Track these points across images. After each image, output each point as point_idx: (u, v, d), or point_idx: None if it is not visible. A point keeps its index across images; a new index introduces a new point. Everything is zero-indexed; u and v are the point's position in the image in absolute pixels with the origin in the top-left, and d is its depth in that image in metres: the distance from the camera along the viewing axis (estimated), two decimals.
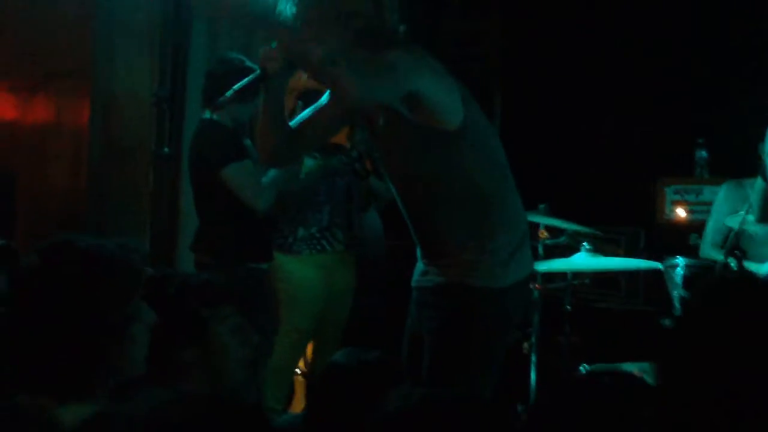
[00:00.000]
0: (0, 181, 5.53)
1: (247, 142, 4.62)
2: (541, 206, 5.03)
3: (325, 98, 3.26)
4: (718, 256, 4.91)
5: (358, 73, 2.89)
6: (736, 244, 4.73)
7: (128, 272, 2.29)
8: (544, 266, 4.93)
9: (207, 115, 4.55)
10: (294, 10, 3.02)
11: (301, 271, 4.80)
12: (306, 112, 3.31)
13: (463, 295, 3.13)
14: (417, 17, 5.35)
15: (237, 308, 2.65)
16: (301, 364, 5.11)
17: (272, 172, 4.50)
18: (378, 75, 2.96)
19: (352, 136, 4.82)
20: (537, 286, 4.99)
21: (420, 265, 3.29)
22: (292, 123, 3.27)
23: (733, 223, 4.83)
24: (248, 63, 4.42)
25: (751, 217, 4.60)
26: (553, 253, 5.21)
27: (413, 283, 3.32)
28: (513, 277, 3.17)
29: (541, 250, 5.15)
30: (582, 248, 4.87)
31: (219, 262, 4.40)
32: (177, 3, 5.46)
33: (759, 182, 3.89)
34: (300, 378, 5.18)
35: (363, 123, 3.33)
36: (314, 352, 5.07)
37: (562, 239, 5.20)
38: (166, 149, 5.27)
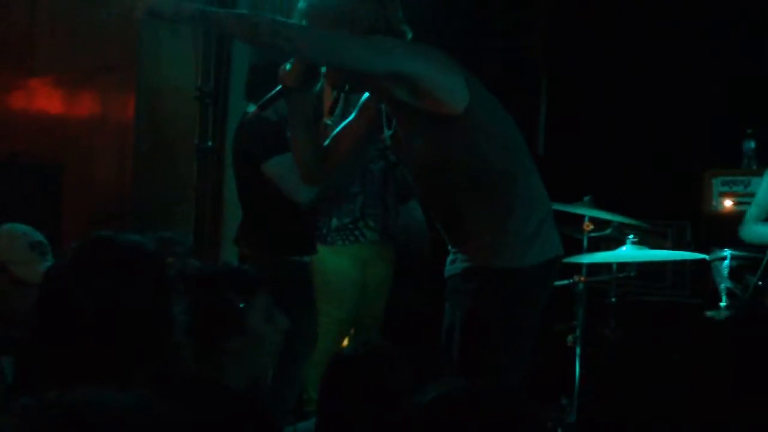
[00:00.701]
0: (46, 174, 5.58)
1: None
2: (586, 198, 4.99)
3: (354, 115, 3.39)
4: (764, 229, 4.84)
5: (324, 35, 3.10)
6: None
7: (167, 268, 2.30)
8: (589, 258, 4.90)
9: (250, 108, 4.56)
10: (305, 21, 3.20)
11: (334, 262, 4.80)
12: (337, 129, 3.43)
13: (487, 277, 3.18)
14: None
15: (270, 297, 2.68)
16: None
17: None
18: (353, 42, 3.10)
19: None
20: (582, 278, 4.95)
21: (450, 255, 3.35)
22: (325, 143, 3.42)
23: None
24: None
25: None
26: (598, 245, 5.18)
27: (446, 273, 3.38)
28: (537, 257, 3.21)
29: (586, 242, 5.11)
30: (628, 240, 4.83)
31: (262, 255, 4.41)
32: None
33: None
34: None
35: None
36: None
37: (608, 231, 5.16)
38: (209, 142, 5.31)
